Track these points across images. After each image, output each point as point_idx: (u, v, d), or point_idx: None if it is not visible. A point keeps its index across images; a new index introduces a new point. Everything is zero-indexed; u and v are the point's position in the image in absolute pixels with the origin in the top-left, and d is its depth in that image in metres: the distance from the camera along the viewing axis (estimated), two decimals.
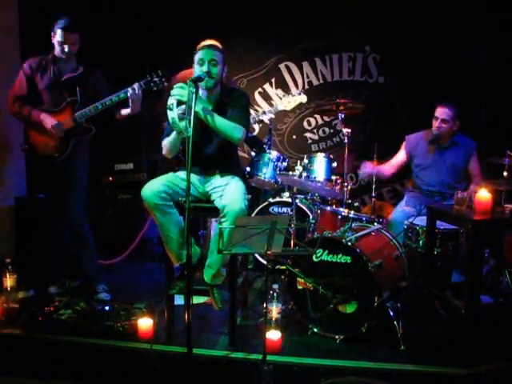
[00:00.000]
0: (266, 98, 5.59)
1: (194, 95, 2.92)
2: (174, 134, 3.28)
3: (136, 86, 3.81)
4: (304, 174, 4.21)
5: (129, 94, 3.80)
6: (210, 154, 3.44)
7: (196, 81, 3.06)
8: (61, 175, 3.96)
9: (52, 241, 4.15)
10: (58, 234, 4.13)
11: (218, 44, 3.60)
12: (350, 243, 3.41)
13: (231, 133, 3.30)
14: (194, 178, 3.40)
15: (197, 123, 3.04)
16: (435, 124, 4.17)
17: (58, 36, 3.80)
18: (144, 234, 4.98)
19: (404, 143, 4.42)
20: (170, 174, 3.44)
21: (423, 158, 4.29)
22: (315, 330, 3.47)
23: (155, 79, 3.85)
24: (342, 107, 4.30)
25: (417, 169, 4.34)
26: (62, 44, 3.80)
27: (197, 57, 3.36)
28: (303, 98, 4.63)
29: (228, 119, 3.32)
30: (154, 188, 3.25)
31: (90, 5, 5.13)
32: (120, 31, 5.21)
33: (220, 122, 3.27)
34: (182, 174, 3.43)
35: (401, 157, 4.43)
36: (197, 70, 3.33)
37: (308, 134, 5.60)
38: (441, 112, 4.15)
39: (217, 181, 3.43)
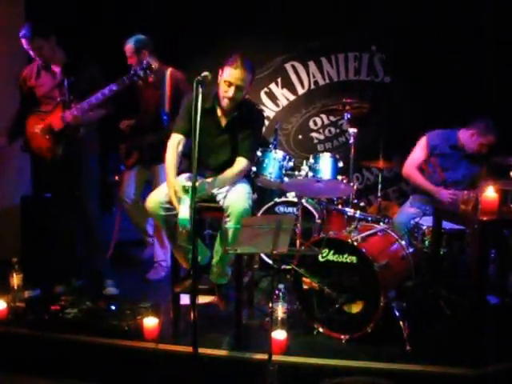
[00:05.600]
0: (272, 97, 5.60)
1: (198, 96, 2.89)
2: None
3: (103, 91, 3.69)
4: (310, 174, 4.20)
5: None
6: (216, 163, 3.47)
7: (201, 82, 3.04)
8: (67, 173, 3.95)
9: (58, 240, 4.15)
10: (65, 232, 4.14)
11: (249, 62, 3.27)
12: (355, 243, 3.40)
13: (239, 179, 3.40)
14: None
15: (203, 138, 2.95)
16: (478, 147, 4.09)
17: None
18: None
19: (425, 140, 4.27)
20: None
21: (444, 159, 4.22)
22: (321, 329, 3.47)
23: (139, 72, 3.67)
24: (348, 107, 4.28)
25: (438, 168, 4.25)
26: (27, 50, 3.74)
27: (227, 73, 3.22)
28: None
29: (238, 142, 3.38)
30: (156, 199, 3.25)
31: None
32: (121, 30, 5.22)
33: (227, 182, 3.32)
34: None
35: (421, 155, 4.29)
36: (221, 86, 3.26)
37: (314, 134, 5.60)
38: (490, 139, 4.06)
39: None
